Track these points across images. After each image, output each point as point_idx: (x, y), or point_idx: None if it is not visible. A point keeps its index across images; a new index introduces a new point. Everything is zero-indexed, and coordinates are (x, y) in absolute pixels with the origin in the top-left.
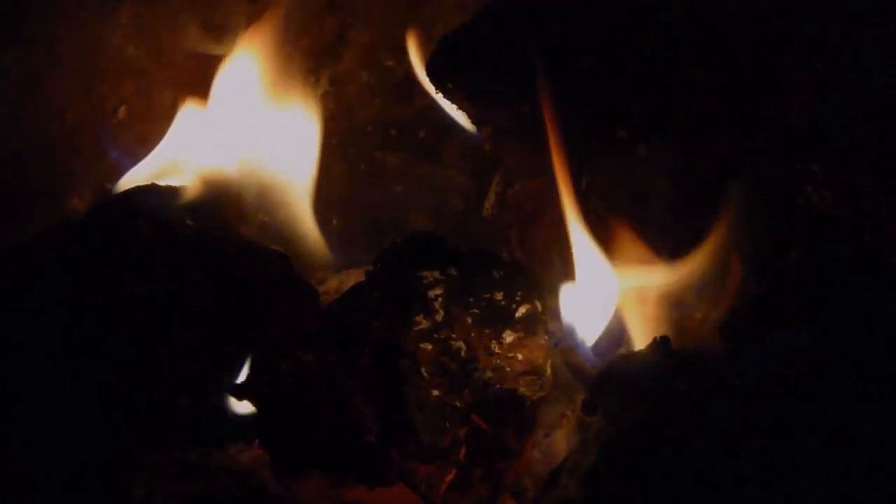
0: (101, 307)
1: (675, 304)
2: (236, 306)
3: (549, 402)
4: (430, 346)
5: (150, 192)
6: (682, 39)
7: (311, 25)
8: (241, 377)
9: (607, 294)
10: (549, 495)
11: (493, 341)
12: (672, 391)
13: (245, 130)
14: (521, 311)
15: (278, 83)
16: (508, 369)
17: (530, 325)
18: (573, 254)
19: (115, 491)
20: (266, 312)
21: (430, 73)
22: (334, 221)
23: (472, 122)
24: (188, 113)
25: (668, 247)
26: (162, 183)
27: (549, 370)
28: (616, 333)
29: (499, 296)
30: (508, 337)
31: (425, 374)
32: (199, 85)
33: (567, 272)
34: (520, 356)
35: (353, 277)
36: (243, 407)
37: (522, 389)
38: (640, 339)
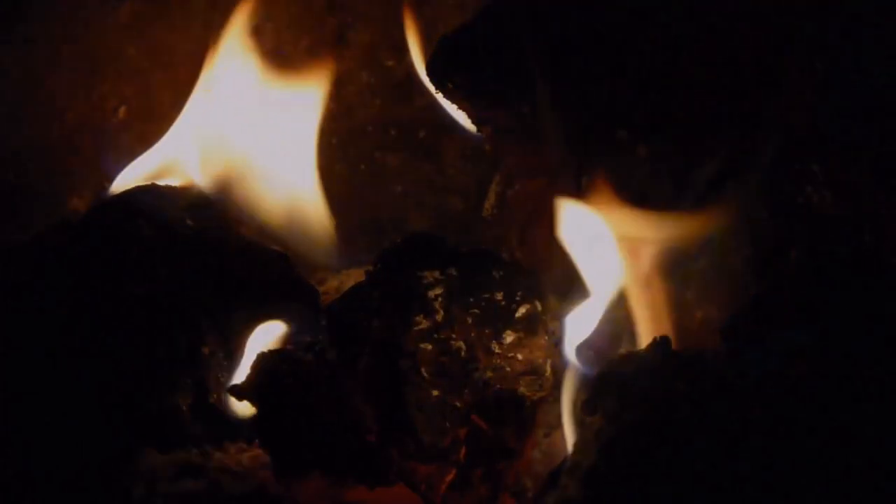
0: (101, 307)
1: (680, 259)
2: (236, 307)
3: (549, 402)
4: (430, 346)
5: (150, 192)
6: (682, 39)
7: (311, 25)
8: (241, 377)
9: (609, 274)
10: (549, 495)
11: (493, 341)
12: (672, 391)
13: (244, 130)
14: (521, 311)
15: (278, 81)
16: (508, 369)
17: (530, 325)
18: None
19: (115, 491)
20: (266, 312)
21: (430, 73)
22: (334, 221)
23: (472, 122)
24: (188, 113)
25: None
26: (162, 183)
27: (549, 370)
28: (616, 333)
29: (499, 296)
30: (508, 337)
31: (425, 374)
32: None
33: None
34: (520, 356)
35: (353, 277)
36: (243, 407)
37: (522, 389)
38: (641, 338)
